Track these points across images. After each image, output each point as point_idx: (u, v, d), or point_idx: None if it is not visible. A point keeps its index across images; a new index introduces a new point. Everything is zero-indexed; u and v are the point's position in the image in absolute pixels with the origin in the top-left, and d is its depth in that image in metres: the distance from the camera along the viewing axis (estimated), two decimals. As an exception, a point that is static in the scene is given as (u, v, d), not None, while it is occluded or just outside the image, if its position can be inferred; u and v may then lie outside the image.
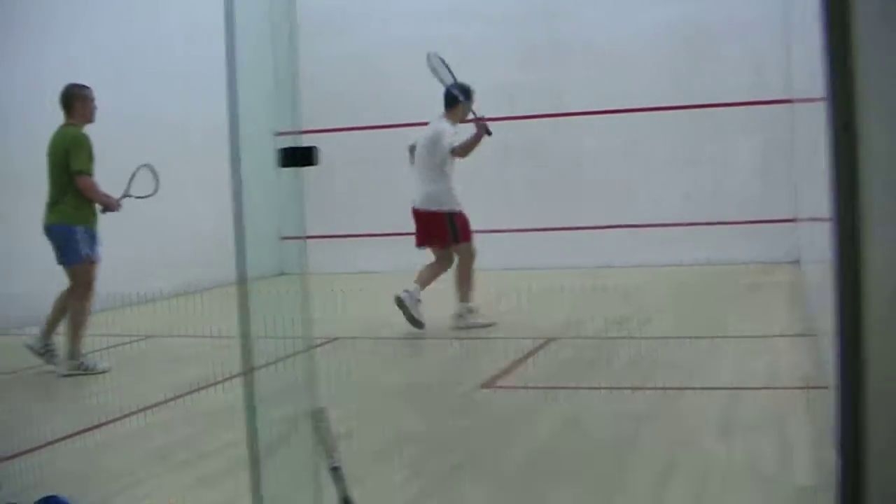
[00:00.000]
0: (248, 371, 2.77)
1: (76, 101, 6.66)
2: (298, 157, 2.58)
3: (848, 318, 2.15)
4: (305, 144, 2.78)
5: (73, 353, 6.45)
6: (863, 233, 2.13)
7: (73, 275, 6.57)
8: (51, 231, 6.57)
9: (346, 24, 12.71)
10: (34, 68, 9.05)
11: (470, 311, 7.47)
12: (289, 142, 2.79)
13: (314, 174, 2.73)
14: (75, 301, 6.54)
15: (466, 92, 7.69)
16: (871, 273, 2.07)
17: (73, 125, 6.63)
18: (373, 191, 12.59)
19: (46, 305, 6.66)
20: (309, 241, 3.43)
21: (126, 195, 6.89)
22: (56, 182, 6.57)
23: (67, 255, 6.53)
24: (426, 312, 7.28)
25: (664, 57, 11.64)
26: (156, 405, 5.43)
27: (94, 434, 4.87)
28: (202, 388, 5.85)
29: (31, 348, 6.56)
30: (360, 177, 12.68)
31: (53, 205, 6.56)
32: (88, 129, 6.72)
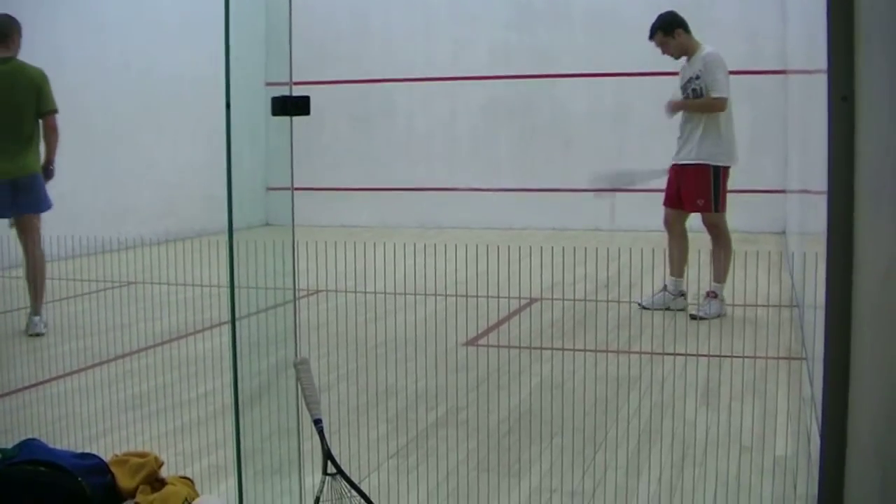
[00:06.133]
0: (232, 320, 2.76)
1: (17, 32, 6.01)
2: (292, 106, 2.54)
3: (838, 290, 2.15)
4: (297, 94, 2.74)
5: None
6: (857, 206, 2.12)
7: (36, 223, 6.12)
8: (23, 183, 5.97)
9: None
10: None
11: (715, 296, 6.35)
12: (280, 92, 2.75)
13: (299, 126, 2.69)
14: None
15: (668, 22, 7.01)
16: (863, 247, 2.07)
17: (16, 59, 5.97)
18: (359, 145, 12.51)
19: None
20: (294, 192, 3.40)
21: None
22: (26, 124, 5.96)
23: (45, 201, 6.12)
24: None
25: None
26: (136, 352, 5.42)
27: (72, 379, 4.86)
28: (183, 336, 5.84)
29: None
30: (348, 130, 12.59)
31: (23, 151, 5.94)
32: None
